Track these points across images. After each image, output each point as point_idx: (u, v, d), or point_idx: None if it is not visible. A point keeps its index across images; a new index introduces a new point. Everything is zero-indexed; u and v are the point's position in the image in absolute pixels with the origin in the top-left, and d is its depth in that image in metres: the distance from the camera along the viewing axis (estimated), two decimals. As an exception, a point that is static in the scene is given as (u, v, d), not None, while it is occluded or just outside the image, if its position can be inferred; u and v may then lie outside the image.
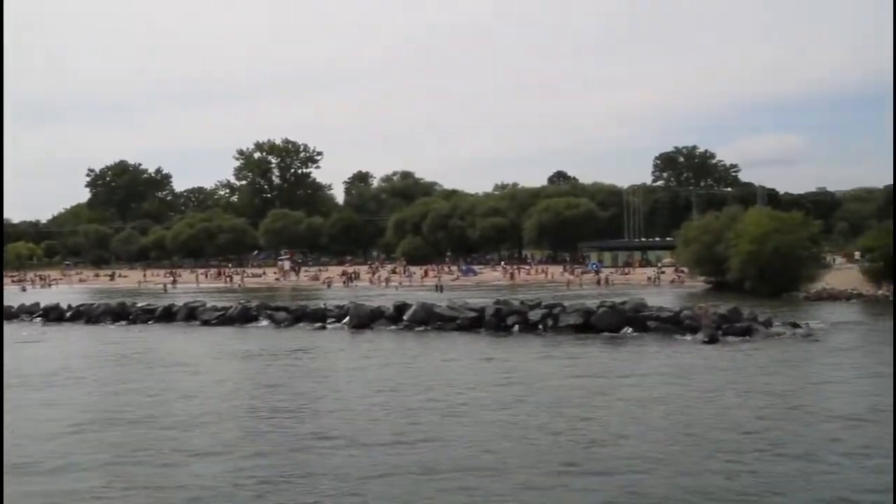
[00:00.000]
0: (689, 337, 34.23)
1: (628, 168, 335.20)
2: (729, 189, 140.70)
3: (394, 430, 18.57)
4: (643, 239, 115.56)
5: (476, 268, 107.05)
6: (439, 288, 75.84)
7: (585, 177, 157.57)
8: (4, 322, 46.37)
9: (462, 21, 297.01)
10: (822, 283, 60.22)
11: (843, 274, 63.66)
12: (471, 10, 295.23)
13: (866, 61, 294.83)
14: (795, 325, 37.12)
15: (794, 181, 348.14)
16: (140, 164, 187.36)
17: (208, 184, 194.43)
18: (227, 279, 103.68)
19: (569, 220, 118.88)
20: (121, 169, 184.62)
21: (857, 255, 77.10)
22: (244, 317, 44.99)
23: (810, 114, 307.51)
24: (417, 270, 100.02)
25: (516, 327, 37.94)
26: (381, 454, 16.47)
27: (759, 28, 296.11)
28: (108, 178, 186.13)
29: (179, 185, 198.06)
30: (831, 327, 38.05)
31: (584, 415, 19.89)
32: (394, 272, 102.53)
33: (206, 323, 45.09)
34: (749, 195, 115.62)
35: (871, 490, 13.93)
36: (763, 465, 15.30)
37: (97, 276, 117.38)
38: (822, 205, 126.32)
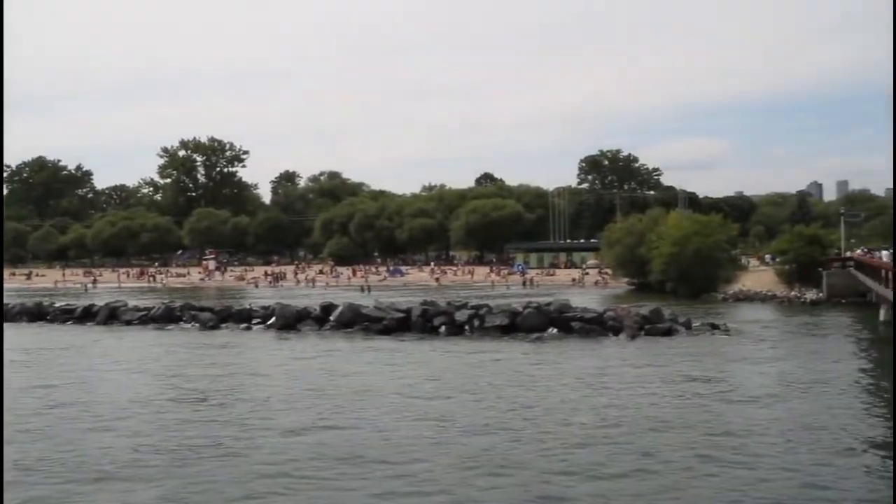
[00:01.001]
0: (612, 337, 35.01)
1: (554, 170, 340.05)
2: (651, 192, 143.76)
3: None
4: (568, 241, 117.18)
5: (403, 268, 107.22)
6: (365, 289, 75.85)
7: (512, 178, 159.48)
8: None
9: (390, 21, 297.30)
10: (739, 284, 62.11)
11: (759, 275, 65.70)
12: (402, 9, 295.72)
13: (783, 71, 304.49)
14: (714, 326, 38.35)
15: (713, 185, 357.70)
16: (59, 161, 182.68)
17: (131, 182, 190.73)
18: (151, 279, 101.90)
19: (495, 222, 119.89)
20: (39, 165, 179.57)
21: (766, 257, 79.77)
22: (167, 317, 44.33)
23: (729, 120, 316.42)
24: (345, 271, 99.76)
25: (443, 328, 38.21)
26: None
27: (681, 36, 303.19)
28: (24, 175, 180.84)
29: (101, 182, 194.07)
30: (747, 327, 39.31)
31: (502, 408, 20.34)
32: (321, 273, 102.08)
33: (128, 323, 44.31)
34: (671, 198, 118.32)
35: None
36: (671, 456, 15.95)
37: (13, 275, 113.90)
38: (739, 209, 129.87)
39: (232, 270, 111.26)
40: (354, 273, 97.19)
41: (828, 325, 41.01)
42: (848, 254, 63.57)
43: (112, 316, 45.60)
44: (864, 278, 46.36)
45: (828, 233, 68.04)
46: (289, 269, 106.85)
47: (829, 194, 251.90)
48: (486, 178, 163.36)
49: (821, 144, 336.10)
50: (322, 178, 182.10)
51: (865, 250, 64.24)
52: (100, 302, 49.96)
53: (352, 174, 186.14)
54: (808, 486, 14.31)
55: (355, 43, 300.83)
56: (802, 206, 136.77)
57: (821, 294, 54.85)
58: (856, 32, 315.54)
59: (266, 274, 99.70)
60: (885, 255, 52.90)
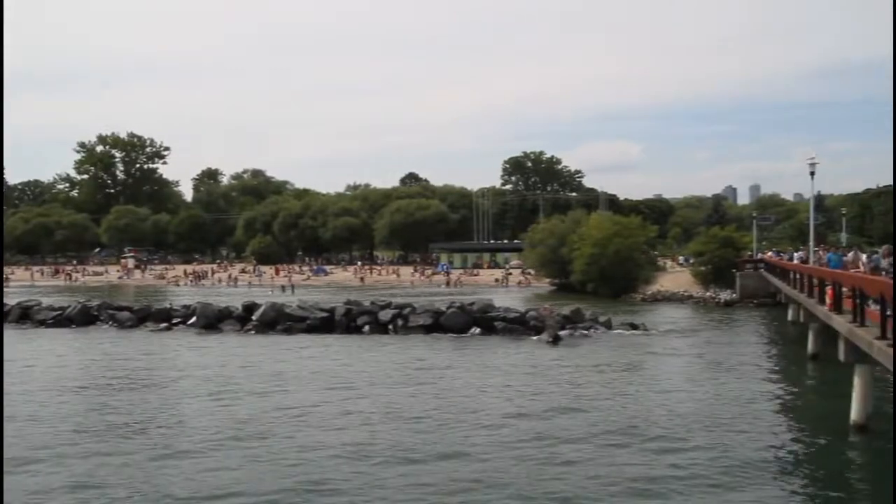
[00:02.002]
0: (534, 337, 35.63)
1: (478, 171, 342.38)
2: (574, 194, 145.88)
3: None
4: (492, 241, 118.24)
5: (327, 268, 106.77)
6: (287, 288, 75.30)
7: (437, 179, 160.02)
8: None
9: (316, 18, 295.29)
10: (658, 285, 63.62)
11: (676, 276, 67.40)
12: (328, 7, 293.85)
13: (702, 78, 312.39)
14: (633, 325, 39.33)
15: (633, 188, 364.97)
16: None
17: (46, 177, 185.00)
18: (67, 277, 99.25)
19: (420, 222, 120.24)
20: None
21: (680, 258, 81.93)
22: (84, 317, 43.30)
23: (650, 124, 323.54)
24: (268, 270, 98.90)
25: (367, 327, 38.36)
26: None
27: (605, 41, 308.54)
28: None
29: (13, 177, 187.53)
30: (665, 327, 40.43)
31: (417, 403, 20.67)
32: (243, 272, 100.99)
33: (41, 324, 43.05)
34: (592, 200, 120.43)
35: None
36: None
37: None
38: (658, 211, 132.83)
39: (152, 269, 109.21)
40: (277, 272, 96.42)
41: (740, 325, 42.55)
42: (759, 256, 65.63)
43: (24, 316, 44.28)
44: (774, 280, 47.99)
45: (741, 235, 70.13)
46: (211, 268, 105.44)
47: (743, 198, 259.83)
48: (411, 178, 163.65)
49: (736, 149, 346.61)
50: (245, 175, 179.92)
51: (776, 253, 66.36)
52: (11, 301, 48.27)
53: (276, 172, 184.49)
54: (713, 480, 14.96)
55: (280, 40, 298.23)
56: (718, 209, 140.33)
57: (734, 294, 56.57)
58: (772, 43, 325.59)
59: (187, 273, 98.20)
60: (795, 257, 54.84)
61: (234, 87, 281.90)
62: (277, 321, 39.71)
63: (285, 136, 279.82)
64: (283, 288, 75.51)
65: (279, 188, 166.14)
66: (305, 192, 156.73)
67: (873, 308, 17.00)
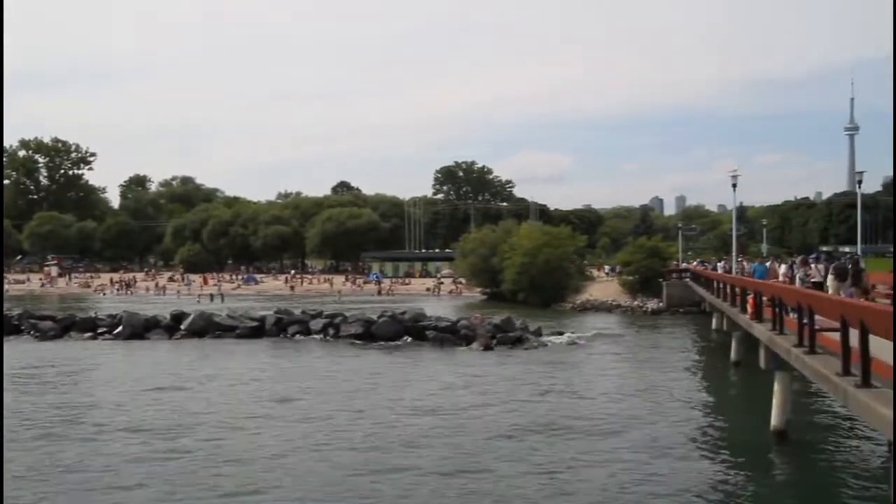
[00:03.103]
0: (465, 346, 35.83)
1: (410, 180, 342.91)
2: (505, 203, 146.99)
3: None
4: (424, 250, 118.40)
5: (258, 277, 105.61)
6: (216, 297, 74.22)
7: (369, 187, 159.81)
8: None
9: (247, 24, 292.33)
10: (587, 294, 64.51)
11: (605, 286, 68.40)
12: (260, 13, 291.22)
13: (631, 92, 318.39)
14: (562, 334, 39.88)
15: (563, 198, 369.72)
16: None
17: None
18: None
19: (351, 230, 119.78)
20: None
21: (606, 268, 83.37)
22: (3, 327, 41.95)
23: (581, 136, 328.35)
24: (197, 279, 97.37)
25: (297, 336, 38.14)
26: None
27: (536, 53, 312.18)
28: None
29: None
30: (593, 335, 41.08)
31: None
32: (171, 280, 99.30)
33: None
34: (523, 210, 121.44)
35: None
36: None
37: None
38: (587, 221, 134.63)
39: (76, 277, 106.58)
40: (206, 281, 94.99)
41: (666, 333, 43.47)
42: (685, 265, 67.08)
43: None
44: (699, 289, 49.11)
45: (667, 245, 71.61)
46: (138, 277, 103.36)
47: (670, 209, 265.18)
48: (343, 187, 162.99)
49: (663, 161, 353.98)
50: (174, 182, 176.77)
51: (700, 262, 67.90)
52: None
53: (205, 180, 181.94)
54: (634, 484, 15.31)
55: (211, 45, 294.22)
56: (645, 220, 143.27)
57: (661, 303, 57.70)
58: (700, 58, 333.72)
59: (113, 281, 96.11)
60: (719, 267, 56.21)
61: (163, 92, 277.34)
62: (207, 330, 39.22)
63: (216, 143, 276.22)
64: (211, 297, 74.39)
65: (209, 196, 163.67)
66: (236, 199, 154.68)
67: (792, 317, 17.60)
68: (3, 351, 26.95)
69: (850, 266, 21.33)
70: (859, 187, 45.79)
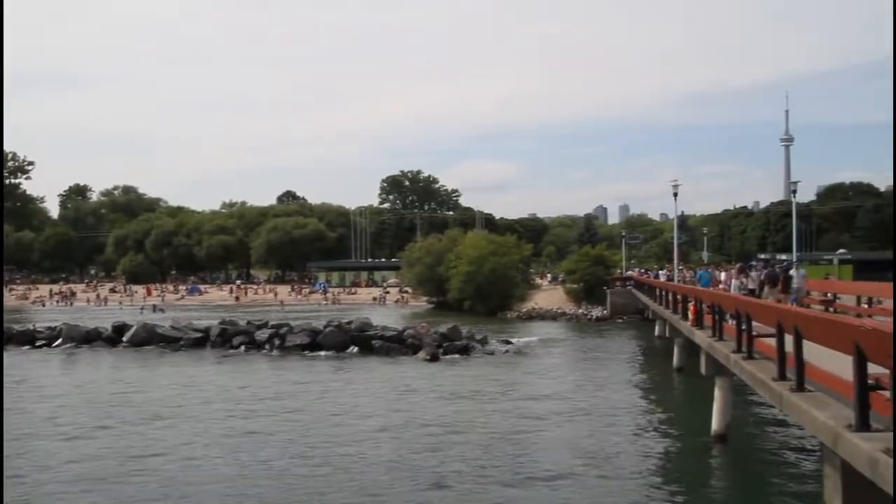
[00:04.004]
0: (411, 355, 35.90)
1: (356, 190, 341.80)
2: (451, 213, 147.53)
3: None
4: (370, 259, 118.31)
5: (202, 287, 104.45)
6: (159, 308, 73.29)
7: (314, 197, 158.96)
8: None
9: (192, 31, 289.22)
10: (532, 302, 65.07)
11: (550, 294, 69.06)
12: (204, 20, 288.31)
13: (575, 102, 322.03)
14: (508, 342, 40.21)
15: (508, 207, 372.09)
16: None
17: None
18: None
19: (297, 240, 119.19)
20: None
21: (549, 276, 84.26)
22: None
23: (526, 145, 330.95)
24: (139, 289, 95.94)
25: (243, 347, 37.84)
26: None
27: (481, 62, 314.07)
28: None
29: None
30: (539, 343, 41.51)
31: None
32: (113, 291, 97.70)
33: None
34: (469, 219, 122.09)
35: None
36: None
37: None
38: (532, 230, 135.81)
39: (13, 289, 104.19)
40: (150, 292, 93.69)
41: (610, 340, 44.08)
42: (628, 273, 68.08)
43: None
44: (642, 297, 49.89)
45: (611, 254, 72.61)
46: (79, 288, 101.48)
47: (613, 217, 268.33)
48: (288, 196, 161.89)
49: (607, 171, 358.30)
50: (116, 192, 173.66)
51: (643, 271, 68.99)
52: None
53: (148, 189, 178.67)
54: (578, 488, 15.55)
55: (154, 51, 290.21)
56: (589, 228, 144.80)
57: (605, 311, 58.50)
58: (642, 70, 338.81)
59: (53, 293, 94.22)
60: (660, 275, 57.19)
61: (104, 100, 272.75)
62: (149, 342, 38.71)
63: (159, 152, 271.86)
64: (154, 307, 73.38)
65: (152, 205, 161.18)
66: (179, 209, 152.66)
67: (731, 323, 18.03)
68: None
69: (780, 273, 22.02)
70: (794, 197, 46.96)
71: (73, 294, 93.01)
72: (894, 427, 6.36)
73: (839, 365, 9.12)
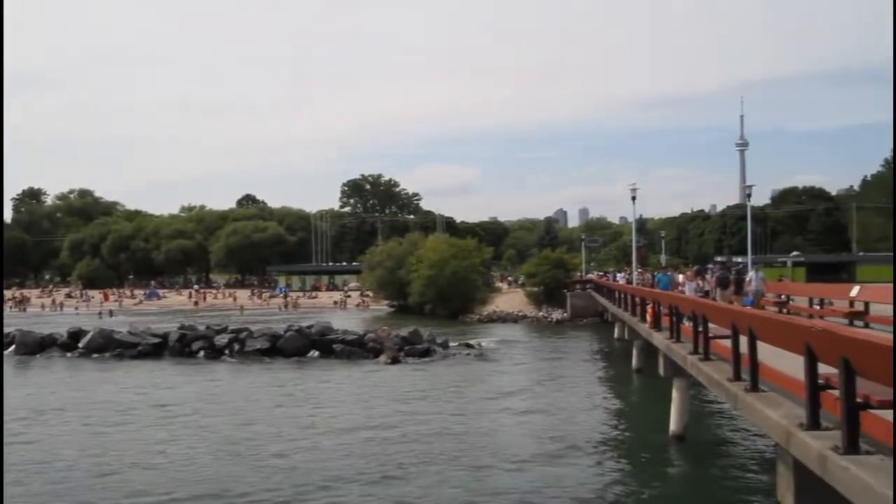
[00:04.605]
0: (373, 359, 35.87)
1: (317, 193, 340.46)
2: (412, 216, 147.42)
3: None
4: (330, 263, 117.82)
5: (160, 292, 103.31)
6: (116, 313, 72.54)
7: (274, 201, 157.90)
8: None
9: (149, 33, 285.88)
10: (493, 305, 65.31)
11: (511, 297, 69.36)
12: (161, 22, 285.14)
13: (536, 106, 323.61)
14: (469, 345, 40.33)
15: (469, 210, 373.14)
16: None
17: None
18: None
19: (257, 244, 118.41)
20: None
21: (509, 279, 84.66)
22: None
23: (487, 149, 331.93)
24: (96, 294, 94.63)
25: (202, 353, 37.50)
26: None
27: (440, 67, 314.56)
28: None
29: None
30: (500, 346, 41.70)
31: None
32: (69, 296, 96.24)
33: None
34: (430, 222, 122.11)
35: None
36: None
37: None
38: (493, 233, 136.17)
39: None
40: (107, 297, 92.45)
41: (570, 342, 44.44)
42: (588, 276, 68.62)
43: None
44: (601, 299, 50.32)
45: (571, 257, 73.09)
46: (33, 293, 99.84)
47: (573, 221, 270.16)
48: (248, 200, 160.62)
49: (567, 174, 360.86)
50: (72, 196, 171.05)
51: (602, 273, 69.59)
52: None
53: (105, 193, 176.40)
54: (537, 486, 15.70)
55: (110, 52, 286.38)
56: (549, 232, 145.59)
57: (565, 314, 58.90)
58: (602, 74, 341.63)
59: (11, 298, 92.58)
60: (619, 277, 57.78)
61: (59, 101, 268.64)
62: (106, 348, 38.17)
63: (116, 155, 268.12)
64: (111, 312, 72.50)
65: (109, 209, 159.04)
66: (137, 213, 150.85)
67: (688, 325, 18.30)
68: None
69: (732, 276, 22.48)
70: (749, 200, 47.65)
71: (27, 299, 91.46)
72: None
73: (793, 365, 9.32)
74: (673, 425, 19.40)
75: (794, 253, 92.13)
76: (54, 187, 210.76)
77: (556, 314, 59.51)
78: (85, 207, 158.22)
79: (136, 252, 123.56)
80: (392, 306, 74.31)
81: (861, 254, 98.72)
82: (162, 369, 34.03)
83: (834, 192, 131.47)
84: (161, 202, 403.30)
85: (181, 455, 18.46)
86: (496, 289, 73.65)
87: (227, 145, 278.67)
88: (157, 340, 38.81)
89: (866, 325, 20.34)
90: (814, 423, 8.04)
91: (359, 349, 37.23)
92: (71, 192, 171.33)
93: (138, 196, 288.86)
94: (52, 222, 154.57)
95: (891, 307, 21.46)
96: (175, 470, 17.16)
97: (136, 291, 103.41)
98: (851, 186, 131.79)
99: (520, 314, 61.79)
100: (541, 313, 60.96)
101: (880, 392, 7.06)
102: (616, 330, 43.29)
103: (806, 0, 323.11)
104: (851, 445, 6.96)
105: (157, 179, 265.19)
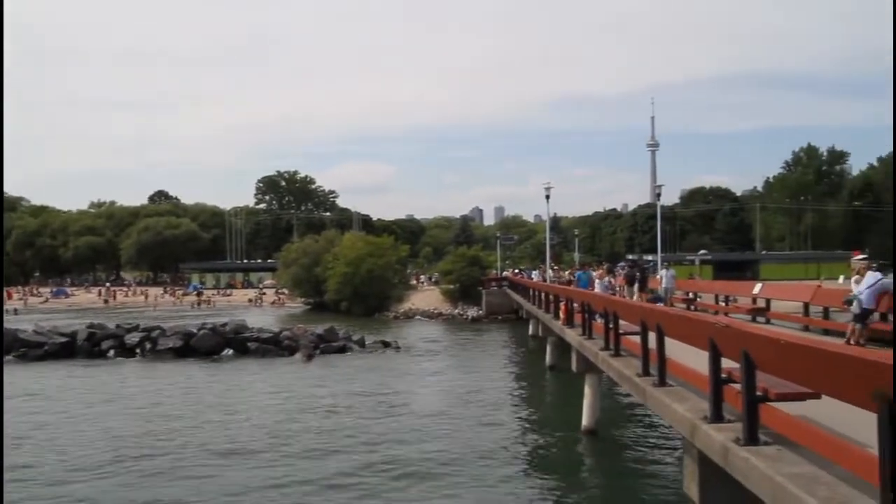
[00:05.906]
0: (288, 357, 35.60)
1: (231, 190, 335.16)
2: (328, 213, 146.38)
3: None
4: (245, 260, 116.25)
5: (68, 290, 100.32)
6: (21, 311, 70.20)
7: (188, 197, 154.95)
8: None
9: (62, 24, 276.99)
10: (409, 303, 65.41)
11: (427, 295, 69.54)
12: (76, 15, 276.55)
13: (452, 105, 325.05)
14: (385, 343, 40.31)
15: (386, 208, 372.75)
16: None
17: None
18: None
19: (169, 241, 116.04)
20: None
21: (425, 277, 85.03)
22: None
23: (404, 147, 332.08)
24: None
25: (112, 352, 36.62)
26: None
27: (358, 64, 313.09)
28: None
29: None
30: (416, 343, 41.82)
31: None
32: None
33: None
34: (346, 220, 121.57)
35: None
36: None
37: None
38: (409, 231, 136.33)
39: None
40: (10, 295, 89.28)
41: (486, 339, 44.83)
42: (504, 274, 69.26)
43: None
44: (516, 297, 50.85)
45: (487, 255, 73.67)
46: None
47: (489, 219, 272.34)
48: (161, 196, 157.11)
49: (482, 173, 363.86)
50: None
51: (517, 271, 70.31)
52: None
53: (9, 188, 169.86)
54: (450, 482, 15.87)
55: (18, 44, 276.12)
56: (465, 230, 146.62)
57: (480, 311, 59.34)
58: (515, 75, 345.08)
59: None
60: (534, 275, 58.45)
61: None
62: (10, 348, 36.88)
63: (20, 149, 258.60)
64: (15, 311, 70.12)
65: (13, 205, 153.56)
66: (43, 208, 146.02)
67: (599, 322, 18.70)
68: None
69: (637, 274, 23.19)
70: (659, 199, 48.88)
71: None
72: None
73: (699, 360, 9.63)
74: (585, 420, 19.78)
75: (702, 251, 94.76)
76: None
77: (472, 312, 59.90)
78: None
79: (43, 249, 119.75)
80: (308, 304, 73.78)
81: (764, 252, 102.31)
82: (69, 369, 33.10)
83: (739, 193, 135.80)
84: (69, 198, 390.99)
85: (78, 460, 18.03)
86: (412, 286, 73.76)
87: (138, 141, 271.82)
88: (64, 340, 37.67)
89: (767, 322, 21.14)
90: (717, 416, 8.32)
91: (274, 347, 36.93)
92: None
93: (45, 191, 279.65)
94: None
95: (790, 303, 22.42)
96: (71, 477, 16.78)
97: (43, 289, 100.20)
98: (755, 187, 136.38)
99: (436, 312, 61.99)
100: (457, 311, 61.27)
101: (778, 385, 7.41)
102: (530, 327, 43.81)
103: (715, 5, 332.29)
104: (751, 437, 7.25)
105: (65, 175, 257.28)
